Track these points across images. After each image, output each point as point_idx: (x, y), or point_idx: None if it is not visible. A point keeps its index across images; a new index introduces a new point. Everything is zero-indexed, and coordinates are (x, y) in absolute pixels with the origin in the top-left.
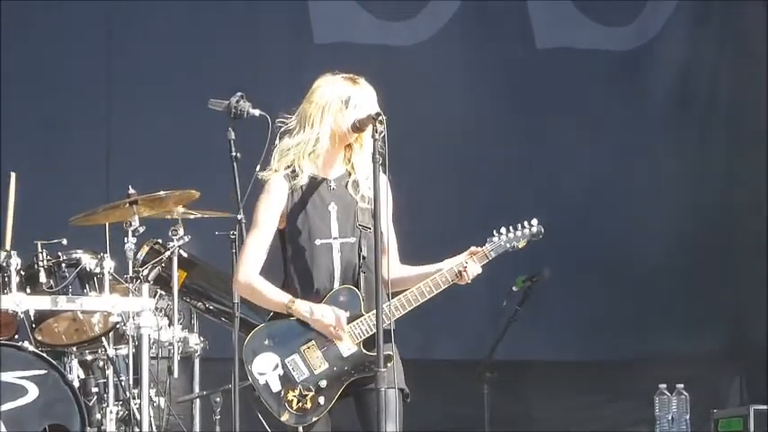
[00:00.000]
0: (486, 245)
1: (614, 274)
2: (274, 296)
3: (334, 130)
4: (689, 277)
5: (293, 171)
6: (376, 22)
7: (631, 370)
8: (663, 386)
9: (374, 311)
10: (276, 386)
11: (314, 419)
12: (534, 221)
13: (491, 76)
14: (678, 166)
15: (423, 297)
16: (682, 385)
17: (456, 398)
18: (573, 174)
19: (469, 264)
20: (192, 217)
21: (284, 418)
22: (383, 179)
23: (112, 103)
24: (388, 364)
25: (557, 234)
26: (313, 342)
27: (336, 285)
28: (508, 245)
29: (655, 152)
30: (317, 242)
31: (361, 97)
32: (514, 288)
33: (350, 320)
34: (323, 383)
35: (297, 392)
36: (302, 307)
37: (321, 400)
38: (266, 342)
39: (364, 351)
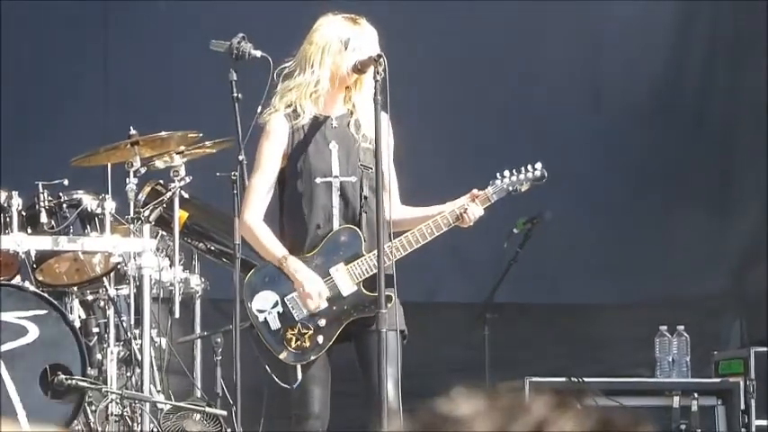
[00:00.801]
0: (489, 188)
1: (614, 216)
2: (271, 246)
3: (333, 72)
4: (690, 220)
5: (294, 111)
6: None
7: (631, 312)
8: (663, 328)
9: (374, 251)
10: (275, 324)
11: (312, 358)
12: (538, 165)
13: (486, 18)
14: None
15: (424, 239)
16: (682, 327)
17: (457, 340)
18: (574, 118)
19: (471, 206)
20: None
21: (283, 355)
22: (384, 119)
23: (109, 45)
24: (388, 305)
25: (555, 177)
26: None
27: (336, 224)
28: (510, 188)
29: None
30: (317, 180)
31: (362, 38)
32: (515, 230)
33: (350, 260)
34: (322, 322)
35: (296, 331)
36: (292, 265)
37: (320, 338)
38: (266, 280)
39: (364, 291)
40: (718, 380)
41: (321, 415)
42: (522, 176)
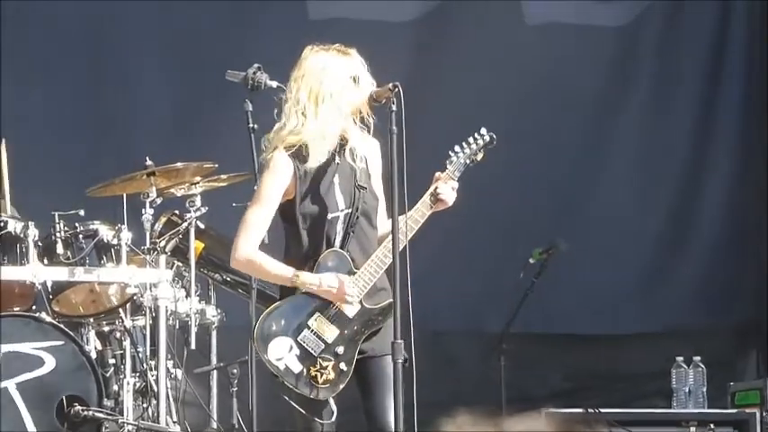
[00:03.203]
0: (448, 167)
1: (629, 247)
2: (278, 270)
3: (350, 111)
4: (707, 251)
5: (299, 150)
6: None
7: (647, 343)
8: (680, 359)
9: (363, 266)
10: (297, 367)
11: (342, 387)
12: (483, 131)
13: (486, 51)
14: (695, 145)
15: (405, 237)
16: (699, 358)
17: (471, 371)
18: (584, 145)
19: (440, 186)
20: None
21: (314, 394)
22: (374, 142)
23: (125, 72)
24: (388, 320)
25: (571, 206)
26: (318, 313)
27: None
28: (467, 160)
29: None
30: (329, 216)
31: (361, 68)
32: (531, 260)
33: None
34: (339, 350)
35: (318, 366)
36: (309, 279)
37: (343, 366)
38: (273, 328)
39: (367, 306)
40: (734, 411)
41: None
42: (473, 146)
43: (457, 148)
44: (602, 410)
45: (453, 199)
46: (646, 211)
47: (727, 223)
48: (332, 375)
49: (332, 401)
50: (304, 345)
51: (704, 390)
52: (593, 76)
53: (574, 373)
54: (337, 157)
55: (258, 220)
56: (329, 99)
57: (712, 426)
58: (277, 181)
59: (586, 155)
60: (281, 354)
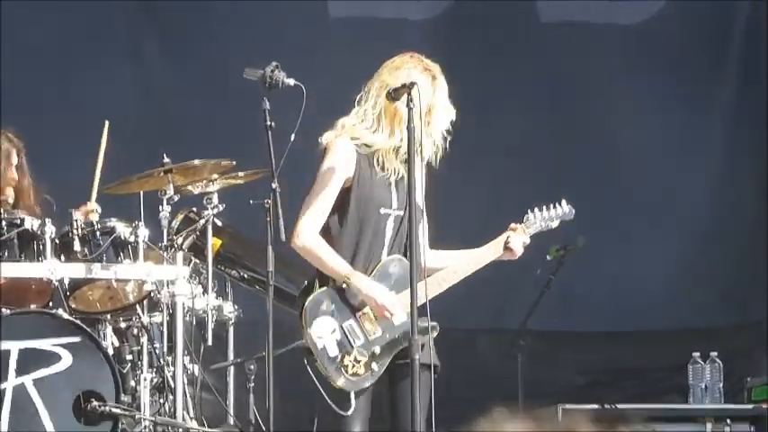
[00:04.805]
0: (524, 222)
1: (647, 244)
2: (335, 264)
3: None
4: (724, 247)
5: (360, 141)
6: None
7: (664, 339)
8: (696, 354)
9: (424, 281)
10: (333, 351)
11: (367, 385)
12: (563, 202)
13: (498, 50)
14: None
15: (468, 270)
16: (715, 353)
17: (488, 366)
18: (605, 142)
19: (512, 236)
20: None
21: (340, 382)
22: (418, 163)
23: (147, 73)
24: (426, 336)
25: (589, 201)
26: (368, 309)
27: (384, 254)
28: (543, 224)
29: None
30: (381, 211)
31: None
32: (548, 257)
33: (400, 290)
34: (377, 350)
35: (352, 357)
36: (361, 282)
37: (375, 366)
38: (323, 307)
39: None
40: (750, 406)
41: None
42: (552, 213)
43: (535, 210)
44: (619, 406)
45: (521, 253)
46: (666, 208)
47: (744, 221)
48: (362, 371)
49: (355, 400)
50: (347, 332)
51: (720, 385)
52: (610, 72)
53: (590, 369)
54: (394, 155)
55: (321, 203)
56: (377, 91)
57: (729, 421)
58: (339, 165)
59: (606, 148)
60: (323, 333)
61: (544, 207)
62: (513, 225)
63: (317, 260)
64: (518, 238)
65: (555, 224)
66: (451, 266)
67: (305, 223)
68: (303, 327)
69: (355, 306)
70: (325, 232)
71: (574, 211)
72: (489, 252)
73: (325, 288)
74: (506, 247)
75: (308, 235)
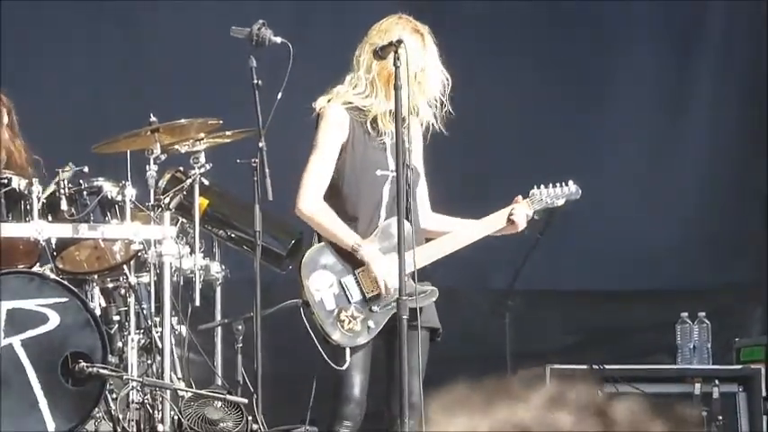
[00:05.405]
0: (529, 197)
1: (639, 205)
2: (341, 233)
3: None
4: (712, 210)
5: (353, 105)
6: None
7: (652, 299)
8: (684, 315)
9: (426, 244)
10: (330, 304)
11: (362, 342)
12: (570, 182)
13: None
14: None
15: (475, 237)
16: (703, 314)
17: (474, 326)
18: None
19: (516, 207)
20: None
21: (335, 336)
22: (416, 123)
23: (130, 28)
24: (432, 299)
25: (579, 162)
26: None
27: (383, 215)
28: (548, 200)
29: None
30: (378, 173)
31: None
32: (535, 216)
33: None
34: (375, 308)
35: (349, 313)
36: (370, 254)
37: (371, 323)
38: (322, 261)
39: (413, 282)
40: (739, 367)
41: (361, 401)
42: (558, 191)
43: (541, 186)
44: (607, 366)
45: (524, 226)
46: (652, 169)
47: (731, 183)
48: (358, 327)
49: (351, 356)
50: (345, 287)
51: (709, 346)
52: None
53: (578, 329)
54: (390, 117)
55: (321, 169)
56: (369, 56)
57: (717, 381)
58: (333, 130)
59: (597, 119)
60: (321, 286)
61: (551, 185)
62: (517, 197)
63: (320, 227)
64: (521, 210)
65: (560, 202)
66: (454, 232)
67: (308, 190)
68: (300, 279)
69: (356, 262)
70: (326, 197)
71: (581, 191)
72: (493, 222)
73: (324, 243)
74: (509, 220)
75: (312, 202)
